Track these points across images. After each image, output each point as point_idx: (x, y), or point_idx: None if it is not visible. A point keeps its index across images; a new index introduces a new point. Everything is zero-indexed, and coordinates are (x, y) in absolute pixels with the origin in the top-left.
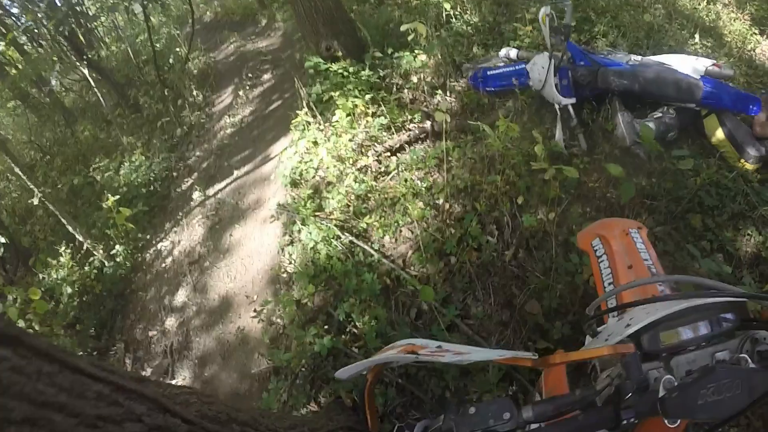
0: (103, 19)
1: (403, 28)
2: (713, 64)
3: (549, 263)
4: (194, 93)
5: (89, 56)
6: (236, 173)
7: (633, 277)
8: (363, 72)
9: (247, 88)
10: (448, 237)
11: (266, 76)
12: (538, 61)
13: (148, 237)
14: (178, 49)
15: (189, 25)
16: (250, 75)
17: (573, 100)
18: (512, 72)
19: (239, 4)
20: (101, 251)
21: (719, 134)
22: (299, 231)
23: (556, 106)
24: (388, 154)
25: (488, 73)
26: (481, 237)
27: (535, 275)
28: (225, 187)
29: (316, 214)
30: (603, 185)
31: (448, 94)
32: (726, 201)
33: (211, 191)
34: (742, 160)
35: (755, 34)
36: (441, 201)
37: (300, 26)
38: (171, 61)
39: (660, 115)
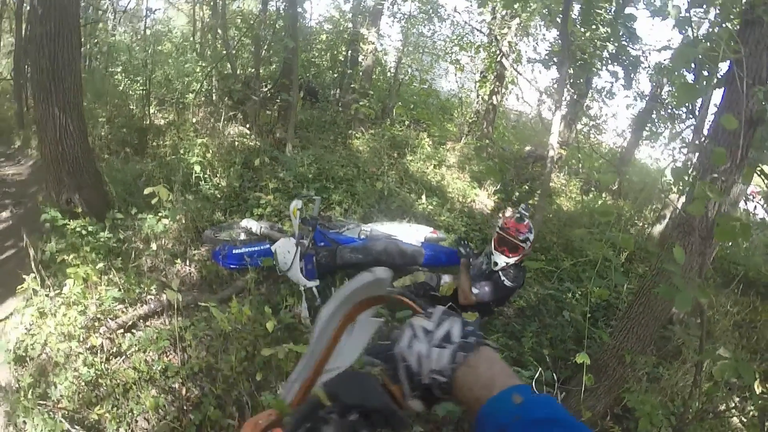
0: None
1: (146, 191)
2: (431, 232)
3: None
4: None
5: None
6: None
7: None
8: (102, 234)
9: None
10: (187, 425)
11: (4, 214)
12: (284, 245)
13: None
14: None
15: None
16: None
17: (317, 283)
18: (259, 252)
19: None
20: None
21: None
22: (24, 422)
23: (301, 287)
24: (122, 331)
25: (234, 251)
26: (222, 420)
27: None
28: None
29: (41, 403)
30: None
31: (188, 263)
32: None
33: None
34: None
35: (474, 188)
36: (177, 385)
37: (45, 170)
38: None
39: None
